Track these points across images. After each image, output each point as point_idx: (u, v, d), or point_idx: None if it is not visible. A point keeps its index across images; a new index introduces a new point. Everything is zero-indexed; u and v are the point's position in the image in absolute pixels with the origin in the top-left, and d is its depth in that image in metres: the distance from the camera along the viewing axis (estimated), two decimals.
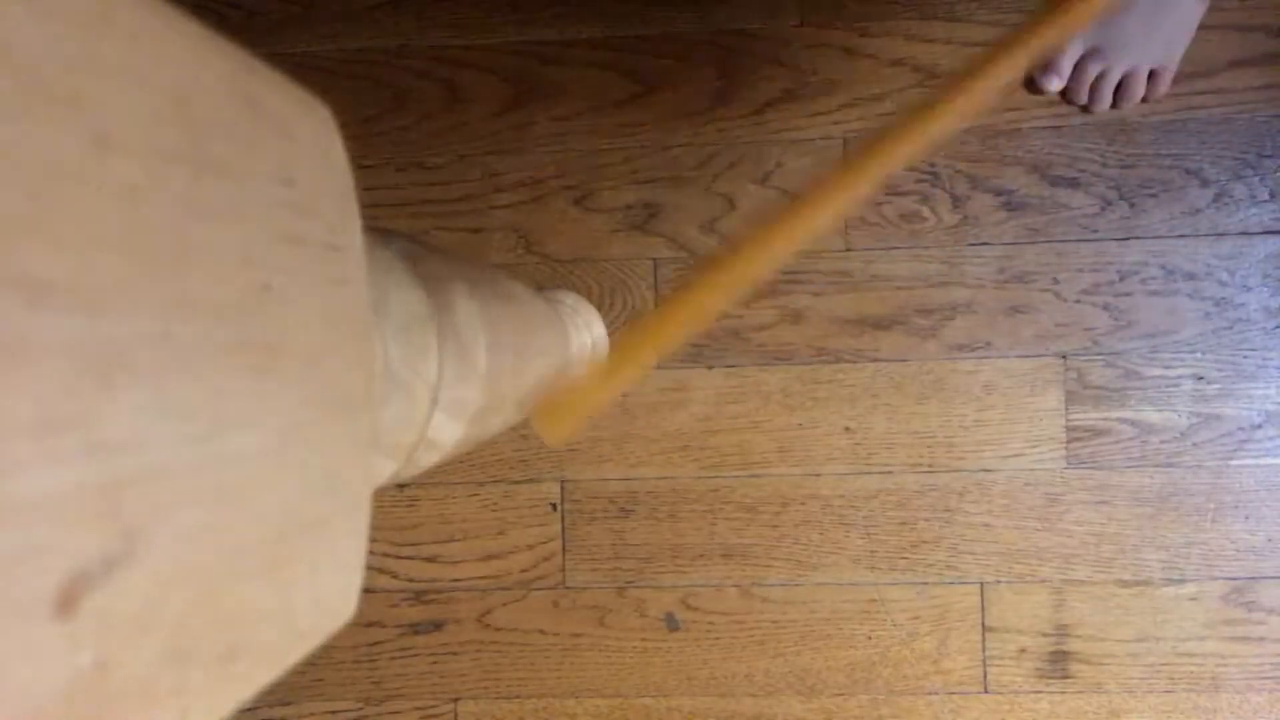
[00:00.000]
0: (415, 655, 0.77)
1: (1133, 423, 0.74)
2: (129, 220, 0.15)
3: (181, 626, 0.16)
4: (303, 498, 0.22)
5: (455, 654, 0.77)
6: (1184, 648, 0.73)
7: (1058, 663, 0.74)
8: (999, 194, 0.75)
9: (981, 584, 0.74)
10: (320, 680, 0.78)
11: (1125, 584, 0.74)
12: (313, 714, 0.78)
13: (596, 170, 0.77)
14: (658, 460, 0.76)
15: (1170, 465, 0.74)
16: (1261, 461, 0.73)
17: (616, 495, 0.77)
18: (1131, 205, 0.74)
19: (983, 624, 0.74)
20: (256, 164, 0.21)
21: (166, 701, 0.16)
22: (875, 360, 0.75)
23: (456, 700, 0.77)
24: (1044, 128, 0.74)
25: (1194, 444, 0.74)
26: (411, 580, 0.78)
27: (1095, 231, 0.74)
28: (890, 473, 0.75)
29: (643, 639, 0.76)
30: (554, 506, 0.77)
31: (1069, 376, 0.74)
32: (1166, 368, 0.74)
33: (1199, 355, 0.73)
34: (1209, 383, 0.73)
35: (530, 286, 0.61)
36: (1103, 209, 0.74)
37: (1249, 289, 0.73)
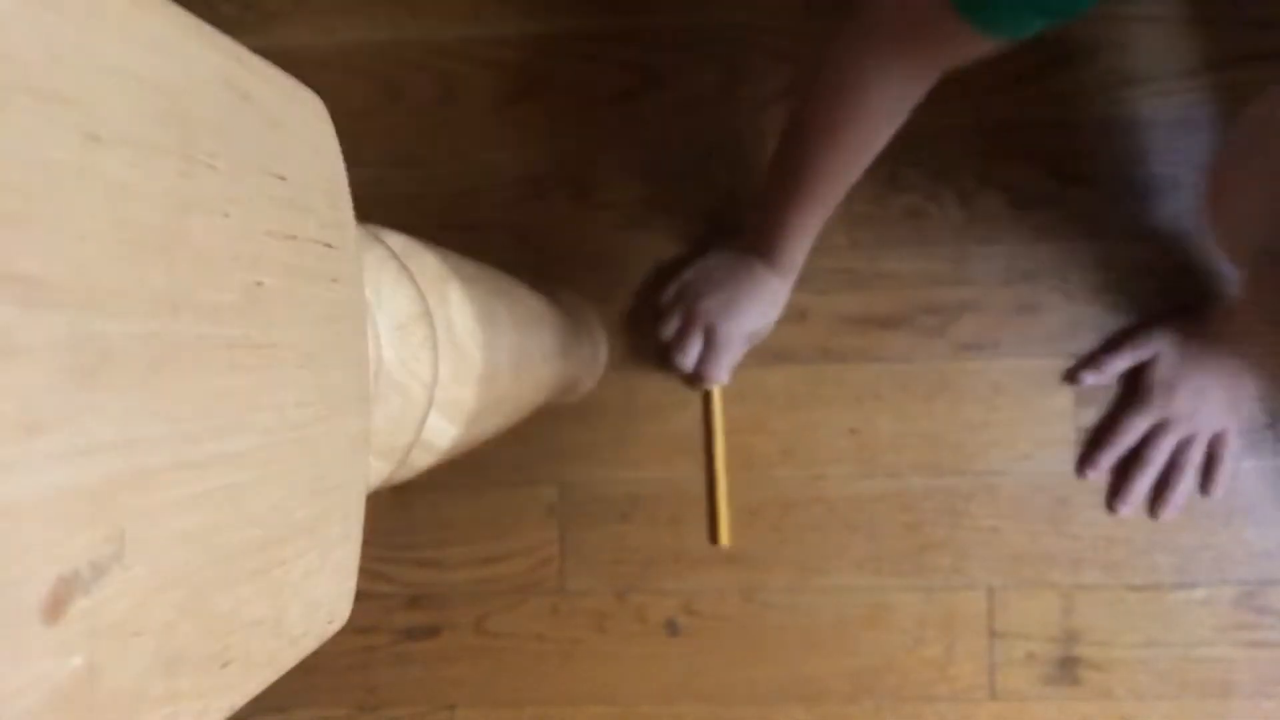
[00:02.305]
0: (410, 661, 0.76)
1: None
2: (118, 218, 0.14)
3: (172, 631, 0.15)
4: (295, 500, 0.21)
5: (451, 660, 0.76)
6: (1194, 653, 0.72)
7: (1066, 668, 0.72)
8: (1007, 190, 0.73)
9: (989, 588, 0.73)
10: (313, 687, 0.77)
11: (1135, 588, 0.72)
12: None
13: (596, 166, 0.76)
14: (658, 462, 0.75)
15: None
16: (1272, 463, 0.72)
17: (616, 498, 0.75)
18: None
19: (990, 629, 0.73)
20: (248, 158, 0.19)
21: (157, 707, 0.15)
22: (881, 360, 0.74)
23: (453, 708, 0.76)
24: (1053, 123, 0.73)
25: None
26: (407, 585, 0.76)
27: (1106, 229, 0.73)
28: (896, 475, 0.74)
29: (643, 645, 0.75)
30: (552, 510, 0.75)
31: None
32: None
33: None
34: None
35: (528, 285, 0.59)
36: (1113, 206, 0.73)
37: None
